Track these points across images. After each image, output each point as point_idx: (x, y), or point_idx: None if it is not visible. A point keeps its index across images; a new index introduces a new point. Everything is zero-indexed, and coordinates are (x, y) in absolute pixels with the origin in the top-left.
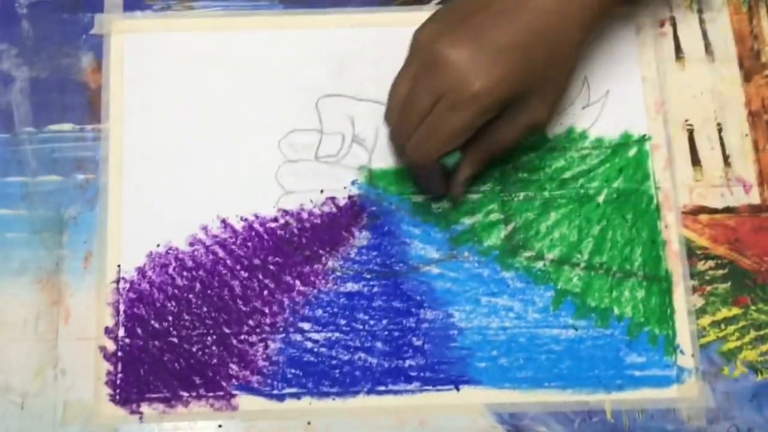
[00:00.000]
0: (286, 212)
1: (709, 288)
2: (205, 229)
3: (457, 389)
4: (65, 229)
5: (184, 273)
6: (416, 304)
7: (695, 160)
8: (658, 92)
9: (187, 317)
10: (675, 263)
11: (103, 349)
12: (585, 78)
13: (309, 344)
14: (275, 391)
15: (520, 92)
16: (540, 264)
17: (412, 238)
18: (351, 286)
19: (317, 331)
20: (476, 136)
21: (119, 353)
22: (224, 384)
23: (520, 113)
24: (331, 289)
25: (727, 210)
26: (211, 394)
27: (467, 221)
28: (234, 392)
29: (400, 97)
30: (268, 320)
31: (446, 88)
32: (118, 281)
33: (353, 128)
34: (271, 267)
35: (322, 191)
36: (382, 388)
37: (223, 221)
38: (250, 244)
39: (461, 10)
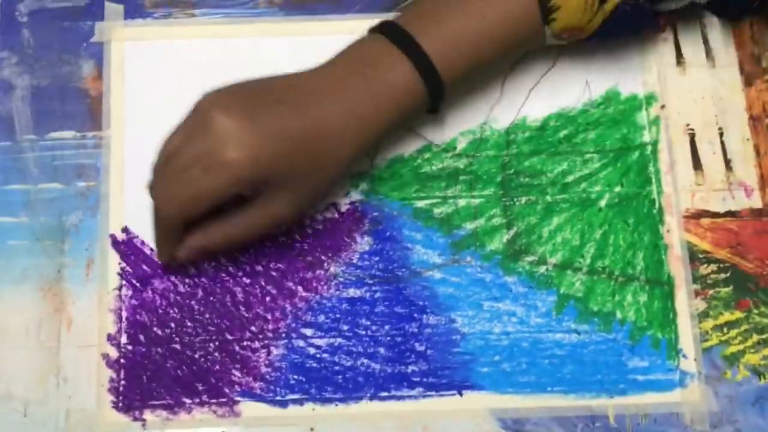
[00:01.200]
0: None
1: (711, 292)
2: None
3: (460, 394)
4: (67, 237)
5: (186, 280)
6: (419, 309)
7: (697, 165)
8: (659, 97)
9: (189, 324)
10: (677, 267)
11: (105, 356)
12: (586, 82)
13: (312, 350)
14: (278, 397)
15: (272, 180)
16: (542, 268)
17: (414, 243)
18: (353, 292)
19: (320, 337)
20: (221, 218)
21: (122, 360)
22: (227, 390)
23: (268, 204)
24: (333, 294)
25: (729, 214)
26: (213, 400)
27: (469, 226)
28: (237, 398)
29: (167, 150)
30: (270, 326)
31: (206, 150)
32: (120, 288)
33: None
34: (273, 273)
35: None
36: (385, 393)
37: None
38: (252, 250)
39: (251, 87)
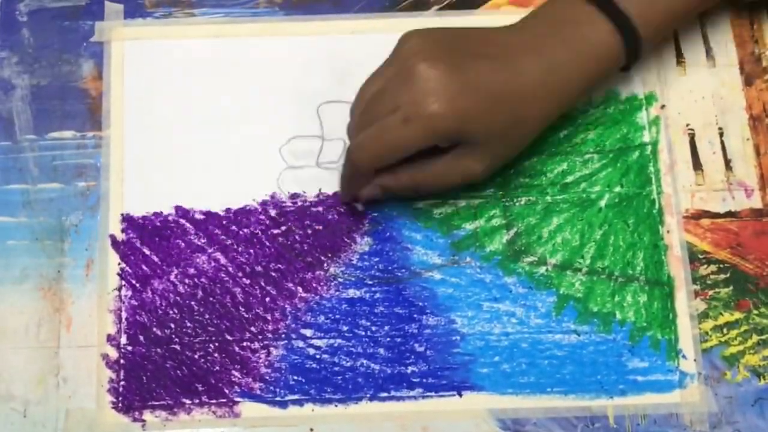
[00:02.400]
0: (287, 218)
1: (711, 292)
2: (206, 236)
3: (460, 395)
4: (66, 237)
5: (186, 280)
6: (418, 310)
7: (697, 165)
8: (659, 97)
9: (189, 324)
10: (677, 268)
11: (105, 356)
12: None
13: (311, 351)
14: (278, 398)
15: (470, 135)
16: (542, 269)
17: (413, 244)
18: (353, 293)
19: (319, 338)
20: (413, 162)
21: (121, 361)
22: (226, 391)
23: (461, 158)
24: (333, 295)
25: (729, 214)
26: (213, 401)
27: (469, 226)
28: (236, 399)
29: (367, 95)
30: (270, 327)
31: (408, 100)
32: (119, 288)
33: None
34: (273, 274)
35: None
36: (385, 394)
37: (225, 228)
38: (251, 250)
39: (454, 37)
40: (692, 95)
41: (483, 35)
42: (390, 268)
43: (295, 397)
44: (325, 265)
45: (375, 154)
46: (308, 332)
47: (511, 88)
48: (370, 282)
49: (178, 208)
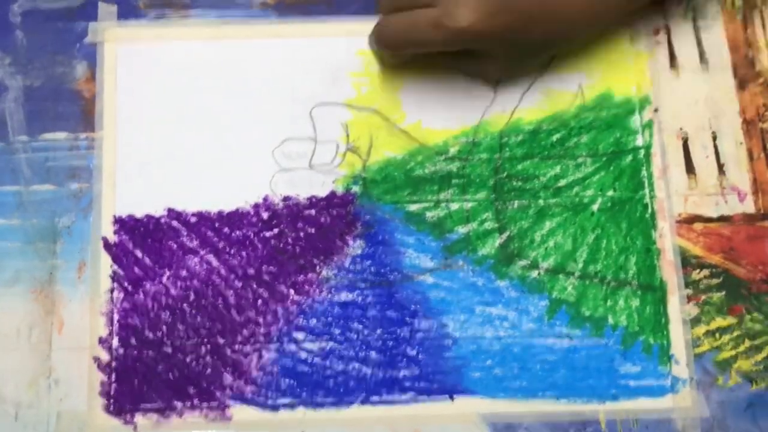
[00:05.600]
0: (280, 221)
1: (703, 297)
2: (198, 238)
3: (452, 399)
4: (59, 239)
5: (178, 282)
6: (410, 313)
7: (690, 169)
8: (653, 100)
9: (181, 327)
10: (669, 272)
11: (96, 359)
12: (579, 85)
13: (303, 354)
14: (269, 401)
15: (498, 51)
16: (534, 273)
17: (406, 247)
18: (345, 296)
19: (311, 341)
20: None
21: (113, 363)
22: (218, 394)
23: (483, 62)
24: (325, 298)
25: (722, 219)
26: (205, 404)
27: (462, 230)
28: (228, 402)
29: None
30: (262, 330)
31: (444, 2)
32: (111, 291)
33: (348, 137)
34: (266, 276)
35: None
36: (377, 398)
37: (217, 230)
38: (244, 253)
39: None
40: (685, 99)
41: None
42: (382, 271)
43: (287, 400)
44: (318, 268)
45: (397, 42)
46: (300, 335)
47: (551, 9)
48: (363, 285)
49: (170, 210)
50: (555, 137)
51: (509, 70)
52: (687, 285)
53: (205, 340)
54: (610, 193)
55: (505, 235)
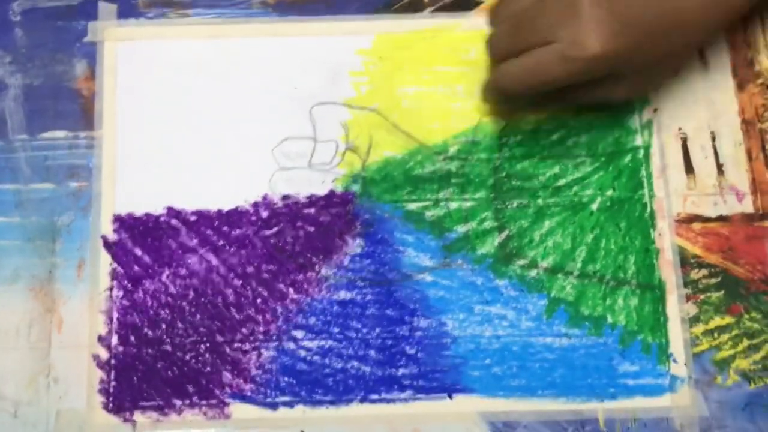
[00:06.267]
0: (279, 220)
1: (702, 296)
2: (198, 236)
3: (450, 397)
4: (58, 237)
5: (178, 281)
6: (409, 312)
7: (689, 169)
8: (652, 100)
9: (180, 325)
10: (668, 271)
11: (96, 357)
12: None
13: (302, 352)
14: (268, 400)
15: (623, 70)
16: (533, 272)
17: (405, 246)
18: (344, 294)
19: (310, 339)
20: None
21: (112, 361)
22: (217, 392)
23: (607, 85)
24: (324, 297)
25: (721, 218)
26: (204, 402)
27: (461, 229)
28: (227, 400)
29: (516, 7)
30: (261, 328)
31: (566, 36)
32: (111, 289)
33: (347, 136)
34: (265, 275)
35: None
36: (376, 396)
37: (217, 229)
38: (243, 251)
39: None
40: (685, 99)
41: None
42: (381, 270)
43: (286, 398)
44: (317, 266)
45: (523, 85)
46: (299, 334)
47: (667, 22)
48: (362, 284)
49: (170, 208)
50: (554, 137)
51: (638, 89)
52: (686, 284)
53: (205, 338)
54: (609, 192)
55: (504, 234)
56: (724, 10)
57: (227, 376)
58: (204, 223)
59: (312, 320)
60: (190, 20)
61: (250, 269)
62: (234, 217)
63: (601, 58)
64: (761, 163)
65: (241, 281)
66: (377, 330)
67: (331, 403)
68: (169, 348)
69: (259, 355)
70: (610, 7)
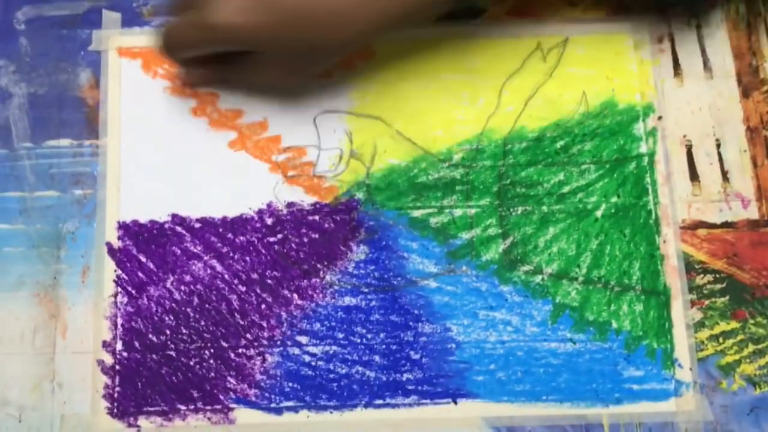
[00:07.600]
0: (284, 227)
1: (707, 302)
2: (202, 243)
3: (455, 403)
4: (63, 244)
5: (182, 287)
6: (414, 317)
7: (694, 176)
8: (657, 108)
9: (184, 331)
10: (673, 277)
11: (100, 362)
12: (583, 92)
13: (307, 358)
14: (273, 405)
15: (261, 47)
16: (538, 278)
17: (409, 252)
18: (349, 300)
19: (315, 345)
20: (231, 58)
21: (117, 367)
22: (222, 397)
23: (258, 64)
24: (328, 302)
25: (726, 225)
26: (208, 407)
27: (465, 235)
28: (231, 406)
29: None
30: (265, 334)
31: (201, 3)
32: (115, 295)
33: (351, 144)
34: (269, 281)
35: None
36: (380, 401)
37: (221, 236)
38: (248, 258)
39: None
40: (689, 106)
41: None
42: (386, 276)
43: (290, 403)
44: (321, 272)
45: (168, 47)
46: (304, 339)
47: (318, 11)
48: (366, 290)
49: (174, 215)
50: (559, 144)
51: (278, 74)
52: (691, 290)
53: (209, 343)
54: (614, 199)
55: (508, 241)
56: (381, 10)
57: (231, 381)
58: (208, 229)
59: (316, 326)
60: None
61: (254, 275)
62: (238, 224)
63: (227, 28)
64: (766, 169)
65: (245, 287)
66: (382, 335)
67: (336, 408)
68: (173, 353)
69: (264, 360)
70: None
